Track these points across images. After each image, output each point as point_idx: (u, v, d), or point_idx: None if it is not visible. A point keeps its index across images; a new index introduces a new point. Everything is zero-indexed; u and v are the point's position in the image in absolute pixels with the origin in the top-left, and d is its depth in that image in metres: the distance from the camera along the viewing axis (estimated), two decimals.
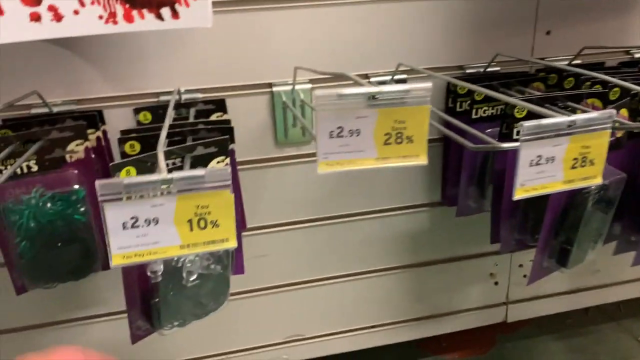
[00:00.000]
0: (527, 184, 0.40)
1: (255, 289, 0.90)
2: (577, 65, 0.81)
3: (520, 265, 1.00)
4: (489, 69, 0.82)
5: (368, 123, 0.37)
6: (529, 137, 0.38)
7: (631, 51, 0.88)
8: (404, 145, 0.38)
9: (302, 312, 0.93)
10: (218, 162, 0.54)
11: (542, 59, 0.84)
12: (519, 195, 0.40)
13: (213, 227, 0.36)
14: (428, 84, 0.36)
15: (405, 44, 0.78)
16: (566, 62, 0.84)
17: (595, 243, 0.69)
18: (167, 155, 0.53)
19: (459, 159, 0.80)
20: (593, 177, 0.42)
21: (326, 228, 0.88)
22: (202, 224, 0.35)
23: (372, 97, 0.36)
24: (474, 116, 0.76)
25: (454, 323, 1.01)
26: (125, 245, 0.34)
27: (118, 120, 0.73)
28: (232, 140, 0.62)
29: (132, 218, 0.34)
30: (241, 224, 0.81)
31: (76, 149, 0.66)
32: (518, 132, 0.62)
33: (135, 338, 0.59)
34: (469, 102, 0.77)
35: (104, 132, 0.73)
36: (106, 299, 0.84)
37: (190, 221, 0.35)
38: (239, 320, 0.91)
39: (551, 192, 0.41)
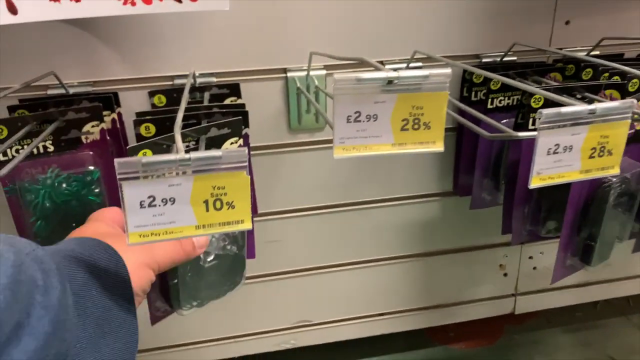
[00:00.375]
0: (544, 173, 0.40)
1: (266, 274, 0.90)
2: (595, 56, 0.80)
3: (530, 257, 1.00)
4: (505, 59, 0.81)
5: (386, 108, 0.37)
6: (548, 125, 0.38)
7: None
8: (421, 132, 0.38)
9: (311, 298, 0.94)
10: (232, 143, 0.54)
11: (561, 49, 0.83)
12: (535, 183, 0.40)
13: (229, 208, 0.36)
14: (447, 70, 0.36)
15: (421, 32, 0.78)
16: (585, 53, 0.83)
17: (619, 239, 0.69)
18: (182, 137, 0.53)
19: (473, 150, 0.79)
20: (611, 167, 0.42)
21: (338, 215, 0.88)
22: (217, 204, 0.35)
23: (391, 81, 0.36)
24: (489, 106, 0.75)
25: (463, 313, 1.01)
26: (142, 224, 0.35)
27: (133, 102, 0.74)
28: (246, 125, 0.62)
29: (149, 197, 0.34)
30: (253, 209, 0.81)
31: (92, 130, 0.66)
32: (534, 122, 0.61)
33: (155, 319, 0.60)
34: (484, 91, 0.77)
35: (119, 114, 0.73)
36: None
37: (206, 202, 0.35)
38: (249, 305, 0.92)
39: (568, 182, 0.41)
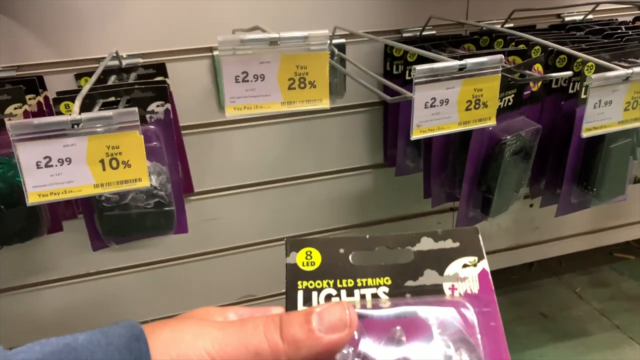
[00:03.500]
0: (424, 125, 0.43)
1: (207, 252, 0.93)
2: (508, 28, 0.85)
3: None
4: (425, 33, 0.85)
5: (271, 68, 0.40)
6: (422, 79, 0.41)
7: (562, 14, 0.92)
8: (307, 90, 0.41)
9: (253, 273, 0.97)
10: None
11: (478, 22, 0.88)
12: (415, 135, 0.43)
13: (125, 167, 0.38)
14: (324, 32, 0.39)
15: (343, 8, 0.81)
16: (499, 25, 0.87)
17: (516, 192, 0.74)
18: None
19: (397, 122, 0.83)
20: (487, 119, 0.46)
21: (274, 191, 0.91)
22: (114, 164, 0.38)
23: (274, 42, 0.39)
24: (407, 77, 0.79)
25: None
26: (41, 184, 0.36)
27: (60, 86, 0.74)
28: (165, 100, 0.64)
29: (45, 157, 0.36)
30: (188, 188, 0.83)
31: (15, 112, 0.67)
32: None
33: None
34: (403, 64, 0.80)
35: (46, 98, 0.74)
36: (57, 264, 0.85)
37: (102, 161, 0.37)
38: (192, 282, 0.94)
39: (447, 132, 0.44)
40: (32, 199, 0.36)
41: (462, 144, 0.71)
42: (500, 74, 0.44)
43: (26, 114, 0.68)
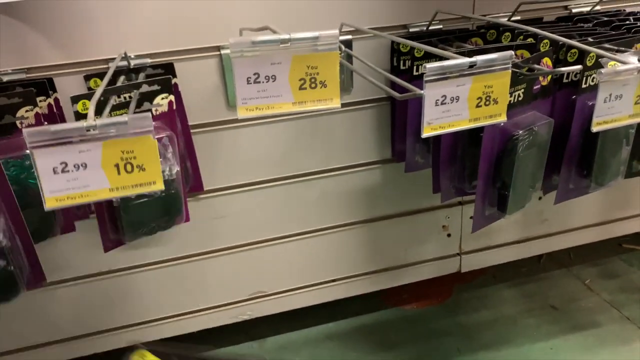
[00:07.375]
0: (434, 122, 0.43)
1: (217, 249, 0.93)
2: (515, 21, 0.85)
3: (471, 217, 1.04)
4: (431, 27, 0.85)
5: (282, 69, 0.40)
6: (433, 77, 0.41)
7: (569, 6, 0.92)
8: (318, 90, 0.41)
9: (263, 269, 0.97)
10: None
11: (484, 15, 0.87)
12: (426, 132, 0.44)
13: (140, 170, 0.38)
14: (335, 32, 0.39)
15: (349, 5, 0.81)
16: (506, 19, 0.87)
17: (532, 188, 0.73)
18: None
19: (405, 118, 0.83)
20: (498, 115, 0.46)
21: (282, 188, 0.91)
22: (128, 168, 0.38)
23: (285, 42, 0.39)
24: (415, 73, 0.79)
25: (410, 274, 1.06)
26: (57, 189, 0.37)
27: (70, 87, 0.75)
28: (169, 92, 0.65)
29: (61, 163, 0.37)
30: (198, 186, 0.84)
31: (26, 115, 0.67)
32: None
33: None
34: (410, 60, 0.80)
35: (56, 100, 0.75)
36: (70, 264, 0.86)
37: (117, 165, 0.38)
38: (203, 280, 0.95)
39: (458, 130, 0.45)
40: (49, 203, 0.37)
41: (471, 139, 0.71)
42: (510, 71, 0.44)
43: (37, 117, 0.69)
